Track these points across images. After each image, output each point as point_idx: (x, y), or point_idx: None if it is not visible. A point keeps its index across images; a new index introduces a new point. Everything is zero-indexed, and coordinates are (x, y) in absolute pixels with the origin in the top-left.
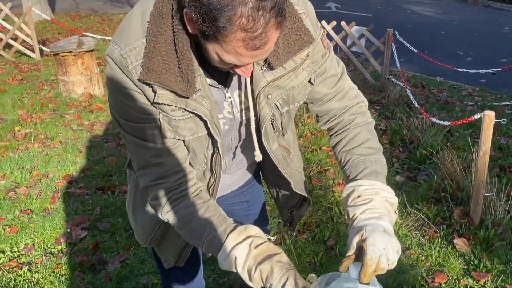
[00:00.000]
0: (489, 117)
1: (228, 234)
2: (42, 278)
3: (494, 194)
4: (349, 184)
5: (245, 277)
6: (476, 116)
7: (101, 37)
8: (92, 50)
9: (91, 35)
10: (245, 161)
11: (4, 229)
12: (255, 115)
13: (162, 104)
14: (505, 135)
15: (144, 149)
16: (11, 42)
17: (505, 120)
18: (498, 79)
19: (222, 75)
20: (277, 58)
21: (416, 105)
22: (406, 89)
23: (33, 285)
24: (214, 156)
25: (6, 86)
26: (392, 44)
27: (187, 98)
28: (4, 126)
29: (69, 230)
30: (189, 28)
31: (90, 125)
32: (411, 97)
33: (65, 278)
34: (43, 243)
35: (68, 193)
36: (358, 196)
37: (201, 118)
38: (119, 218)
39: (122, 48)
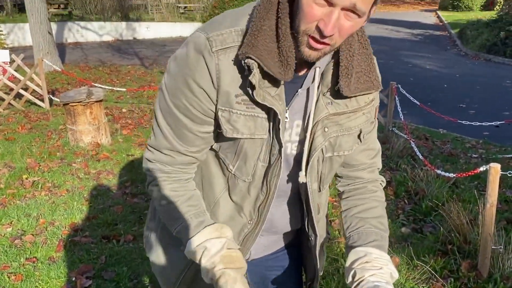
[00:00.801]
0: (495, 170)
1: (206, 227)
2: None
3: (502, 247)
4: (360, 249)
5: (204, 269)
6: (481, 169)
7: (110, 87)
8: (101, 100)
9: (99, 85)
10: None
11: (9, 277)
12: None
13: (240, 89)
14: (511, 188)
15: (169, 135)
16: (22, 92)
17: (511, 172)
18: (501, 132)
19: (289, 94)
20: (347, 85)
21: (421, 156)
22: (410, 141)
23: None
24: (272, 166)
25: (15, 135)
26: (396, 96)
27: (276, 85)
28: (12, 173)
29: (74, 279)
30: None
31: (96, 174)
32: (415, 149)
33: None
34: None
35: (74, 242)
36: (367, 262)
37: (269, 117)
38: (124, 267)
39: (208, 33)
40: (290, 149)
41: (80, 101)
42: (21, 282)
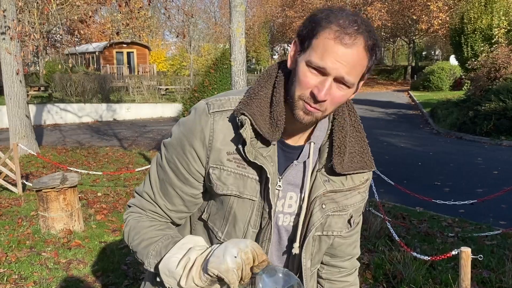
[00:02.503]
0: (466, 254)
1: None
2: None
3: None
4: None
5: (183, 279)
6: (454, 252)
7: (85, 171)
8: (75, 186)
9: (75, 169)
10: None
11: None
12: (304, 222)
13: (233, 147)
14: (486, 268)
15: (155, 186)
16: None
17: (482, 256)
18: (476, 209)
19: (284, 164)
20: (340, 163)
21: (397, 238)
22: (386, 222)
23: None
24: (262, 230)
25: None
26: None
27: (267, 144)
28: None
29: None
30: (290, 61)
31: (66, 264)
32: (391, 230)
33: None
34: None
35: None
36: None
37: (260, 179)
38: None
39: (208, 100)
40: (282, 220)
41: (54, 187)
42: None
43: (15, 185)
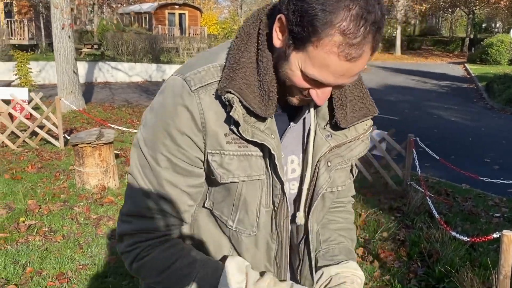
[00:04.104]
0: (508, 238)
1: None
2: None
3: None
4: (348, 264)
5: None
6: (495, 235)
7: (127, 129)
8: (111, 143)
9: (116, 126)
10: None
11: None
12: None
13: (228, 126)
14: None
15: (152, 194)
16: (37, 130)
17: None
18: None
19: (281, 127)
20: (344, 117)
21: (437, 215)
22: (426, 197)
23: None
24: (278, 208)
25: (23, 174)
26: (414, 150)
27: (262, 120)
28: (10, 216)
29: None
30: (276, 39)
31: (97, 219)
32: (431, 206)
33: None
34: None
35: None
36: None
37: (264, 154)
38: None
39: (184, 74)
40: (289, 188)
41: (89, 143)
42: None
43: (57, 139)
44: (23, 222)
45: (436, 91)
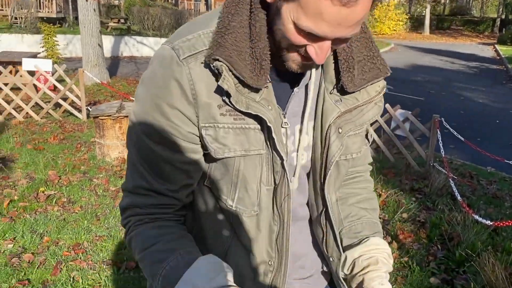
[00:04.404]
0: None
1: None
2: None
3: None
4: (372, 241)
5: None
6: None
7: None
8: None
9: None
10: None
11: None
12: (321, 156)
13: (221, 97)
14: None
15: (145, 172)
16: (61, 101)
17: None
18: None
19: (284, 95)
20: (351, 81)
21: (459, 198)
22: (449, 179)
23: None
24: (278, 186)
25: (45, 145)
26: (438, 130)
27: (256, 90)
28: (30, 185)
29: None
30: None
31: (115, 192)
32: (454, 188)
33: None
34: None
35: (72, 265)
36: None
37: (262, 127)
38: None
39: (173, 43)
40: (296, 159)
41: (110, 115)
42: None
43: (80, 111)
44: (43, 192)
45: (464, 72)
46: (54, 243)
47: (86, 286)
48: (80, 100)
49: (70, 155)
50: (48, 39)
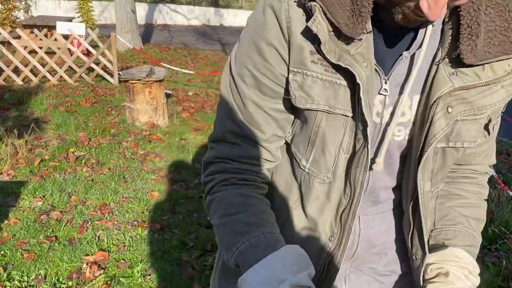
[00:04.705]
0: None
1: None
2: None
3: None
4: (457, 251)
5: None
6: None
7: (181, 69)
8: (161, 80)
9: (170, 66)
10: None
11: (22, 254)
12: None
13: (311, 40)
14: None
15: (236, 116)
16: (93, 66)
17: None
18: None
19: (389, 58)
20: (471, 50)
21: (495, 174)
22: None
23: None
24: (356, 155)
25: (78, 108)
26: None
27: (351, 42)
28: (61, 146)
29: (85, 265)
30: None
31: (144, 155)
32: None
33: None
34: (56, 275)
35: (98, 225)
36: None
37: (353, 86)
38: (140, 261)
39: None
40: (392, 134)
41: (140, 79)
42: (31, 261)
43: (112, 75)
44: (73, 153)
45: None
46: (81, 202)
47: (111, 245)
48: (112, 65)
49: (101, 118)
50: (84, 4)
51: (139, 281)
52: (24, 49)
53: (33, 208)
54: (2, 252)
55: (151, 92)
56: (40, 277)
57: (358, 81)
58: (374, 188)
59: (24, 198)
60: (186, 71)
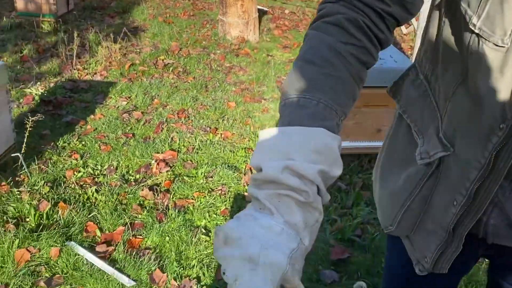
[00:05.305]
0: None
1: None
2: (102, 202)
3: None
4: None
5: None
6: None
7: None
8: None
9: None
10: None
11: (99, 146)
12: None
13: None
14: None
15: None
16: None
17: None
18: None
19: None
20: None
21: None
22: None
23: (88, 206)
24: None
25: (175, 19)
26: None
27: None
28: (153, 53)
29: (154, 161)
30: None
31: (229, 68)
32: None
33: (120, 209)
34: (126, 168)
35: (173, 127)
36: None
37: None
38: (204, 165)
39: None
40: None
41: None
42: (106, 153)
43: None
44: (162, 60)
45: None
46: (162, 105)
47: (181, 147)
48: None
49: (195, 31)
50: None
51: (201, 182)
52: None
53: (118, 107)
54: (83, 143)
55: (243, 5)
56: (112, 167)
57: None
58: None
59: (111, 97)
60: None
